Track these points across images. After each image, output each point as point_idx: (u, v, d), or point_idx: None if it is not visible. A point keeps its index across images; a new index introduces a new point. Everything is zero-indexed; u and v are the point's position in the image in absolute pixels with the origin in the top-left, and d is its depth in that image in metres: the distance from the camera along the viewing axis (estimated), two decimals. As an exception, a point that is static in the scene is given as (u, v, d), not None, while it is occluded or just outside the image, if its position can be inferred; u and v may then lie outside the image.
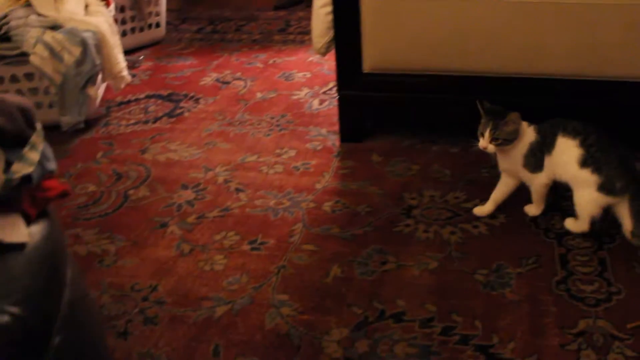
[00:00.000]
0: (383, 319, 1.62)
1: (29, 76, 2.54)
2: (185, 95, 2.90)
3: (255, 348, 1.56)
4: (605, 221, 1.87)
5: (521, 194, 1.94)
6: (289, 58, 3.25)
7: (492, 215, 1.96)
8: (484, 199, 2.01)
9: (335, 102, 2.60)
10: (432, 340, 1.56)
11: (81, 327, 1.13)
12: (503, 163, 1.93)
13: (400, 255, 1.84)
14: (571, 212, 1.90)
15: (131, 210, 2.11)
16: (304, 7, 3.91)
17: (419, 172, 2.22)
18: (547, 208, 1.98)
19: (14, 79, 2.53)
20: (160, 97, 2.91)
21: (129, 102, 2.88)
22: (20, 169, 1.05)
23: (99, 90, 2.74)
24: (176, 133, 2.58)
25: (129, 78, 2.77)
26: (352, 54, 2.28)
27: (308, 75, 3.03)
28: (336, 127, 2.48)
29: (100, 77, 2.65)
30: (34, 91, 2.56)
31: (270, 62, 3.21)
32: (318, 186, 2.18)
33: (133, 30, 3.41)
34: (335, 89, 2.69)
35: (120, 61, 2.71)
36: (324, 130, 2.53)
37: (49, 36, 2.46)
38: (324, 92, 2.85)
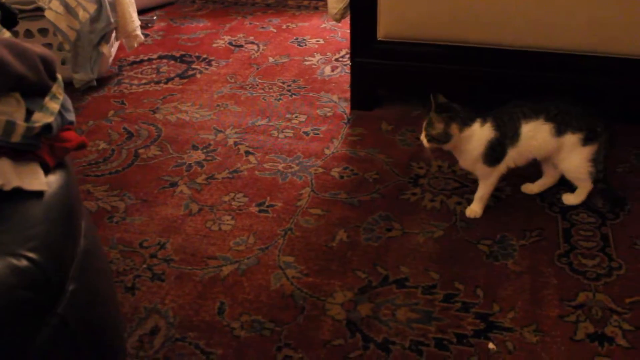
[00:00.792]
0: (386, 284, 1.65)
1: (43, 31, 2.55)
2: (198, 57, 2.91)
3: (260, 308, 1.60)
4: (608, 200, 1.89)
5: (528, 167, 1.95)
6: (302, 23, 3.25)
7: (498, 188, 1.97)
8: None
9: (347, 70, 2.61)
10: (434, 306, 1.59)
11: (94, 276, 1.15)
12: (460, 160, 1.88)
13: (405, 223, 1.86)
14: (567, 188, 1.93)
15: (141, 169, 2.14)
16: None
17: (428, 142, 2.23)
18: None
19: (28, 33, 2.54)
20: (172, 57, 2.92)
21: (141, 61, 2.89)
22: (41, 118, 1.06)
23: (112, 48, 2.75)
24: (187, 94, 2.59)
25: (142, 37, 2.77)
26: (367, 21, 2.28)
27: (321, 41, 3.03)
28: (347, 94, 2.49)
29: (114, 35, 2.65)
30: (47, 47, 2.56)
31: (284, 27, 3.20)
32: (327, 152, 2.19)
33: (147, -11, 3.41)
34: (348, 56, 2.70)
35: (135, 20, 2.71)
36: (334, 97, 2.53)
37: (64, -8, 2.47)
38: (337, 59, 2.85)
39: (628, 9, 2.07)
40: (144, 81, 2.71)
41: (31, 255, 0.94)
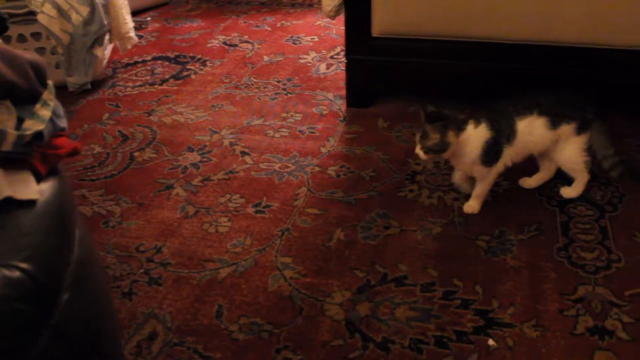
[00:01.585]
0: (385, 282, 1.64)
1: (36, 35, 2.54)
2: (192, 58, 2.90)
3: (258, 309, 1.59)
4: (608, 190, 1.89)
5: (524, 162, 1.95)
6: (297, 21, 3.24)
7: (496, 183, 1.96)
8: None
9: (342, 67, 2.60)
10: (433, 304, 1.58)
11: (89, 285, 1.15)
12: (458, 164, 1.87)
13: (403, 220, 1.85)
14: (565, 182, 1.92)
15: (137, 172, 2.13)
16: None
17: (424, 138, 2.22)
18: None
19: (21, 38, 2.53)
20: (167, 59, 2.91)
21: (135, 63, 2.88)
22: (32, 126, 1.05)
23: (106, 51, 2.74)
24: (182, 95, 2.58)
25: (136, 39, 2.77)
26: (362, 17, 2.27)
27: (316, 39, 3.02)
28: (343, 92, 2.48)
29: (107, 37, 2.64)
30: (40, 51, 2.56)
31: (278, 25, 3.19)
32: (323, 150, 2.19)
33: (140, -10, 3.40)
34: (343, 53, 2.69)
35: (128, 22, 2.70)
36: (330, 95, 2.53)
37: (56, -5, 2.45)
38: (332, 57, 2.84)
39: (625, 2, 2.05)
40: (138, 83, 2.70)
41: (24, 265, 0.93)
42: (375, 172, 2.06)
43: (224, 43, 3.02)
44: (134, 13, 3.15)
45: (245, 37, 3.08)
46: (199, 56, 2.91)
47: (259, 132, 2.30)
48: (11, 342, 0.90)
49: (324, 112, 2.41)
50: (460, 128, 1.75)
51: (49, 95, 1.13)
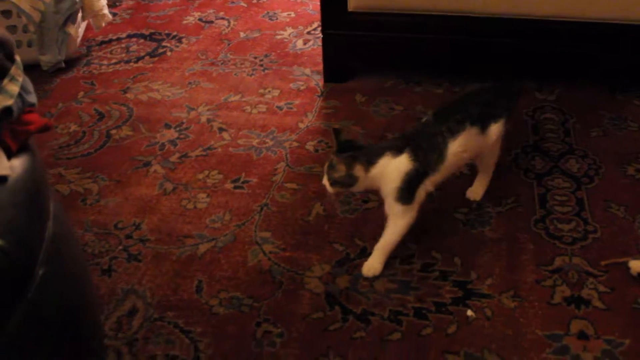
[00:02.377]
0: (364, 255, 1.65)
1: (6, 13, 2.49)
2: (168, 35, 2.86)
3: (238, 284, 1.59)
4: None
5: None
6: (272, -3, 3.21)
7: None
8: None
9: (319, 42, 2.58)
10: (412, 276, 1.59)
11: (65, 261, 1.13)
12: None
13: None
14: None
15: (114, 150, 2.11)
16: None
17: (403, 112, 2.23)
18: (528, 148, 2.00)
19: (-9, 15, 2.48)
20: (142, 36, 2.87)
21: (110, 41, 2.84)
22: (0, 101, 1.04)
23: (79, 28, 2.70)
24: (158, 72, 2.56)
25: (109, 16, 2.72)
26: (337, -8, 2.25)
27: (292, 14, 2.99)
28: (320, 67, 2.46)
29: (80, 15, 2.60)
30: (12, 29, 2.51)
31: (254, 1, 3.16)
32: (301, 125, 2.18)
33: (113, -33, 3.34)
34: (319, 28, 2.67)
35: (101, -2, 2.66)
36: (307, 70, 2.51)
37: (26, -28, 2.41)
38: (308, 32, 2.82)
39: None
40: (113, 61, 2.66)
41: (-3, 241, 0.92)
42: (353, 146, 2.06)
43: (200, 20, 2.99)
44: (108, -10, 3.10)
45: (221, 13, 3.04)
46: (175, 33, 2.87)
47: (236, 109, 2.29)
48: (-14, 318, 0.89)
49: (302, 88, 2.40)
50: (371, 162, 1.54)
51: (16, 70, 1.11)
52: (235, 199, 1.86)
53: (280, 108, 2.28)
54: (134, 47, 2.76)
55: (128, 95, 2.41)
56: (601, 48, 2.17)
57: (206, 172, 1.97)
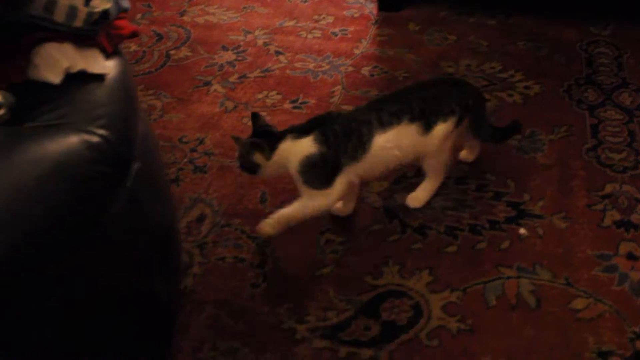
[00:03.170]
0: (420, 175, 1.70)
1: None
2: (222, -40, 2.88)
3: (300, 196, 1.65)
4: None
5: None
6: None
7: (527, 85, 2.00)
8: (518, 70, 2.06)
9: (374, -30, 2.58)
10: (467, 195, 1.65)
11: (153, 158, 1.21)
12: None
13: (436, 119, 1.90)
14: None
15: (174, 69, 2.17)
16: None
17: (456, 42, 2.25)
18: (581, 80, 2.02)
19: None
20: (196, -40, 2.89)
21: (165, -36, 2.87)
22: (99, 4, 1.10)
23: (136, -50, 2.73)
24: (214, -4, 2.60)
25: (165, -61, 2.75)
26: None
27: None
28: (374, -4, 2.48)
29: (138, -64, 2.63)
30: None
31: None
32: (356, 51, 2.22)
33: None
34: (374, -44, 2.67)
35: None
36: (361, -2, 2.54)
37: None
38: (361, -39, 2.82)
39: None
40: (169, -16, 2.70)
41: (102, 132, 1.00)
42: (408, 72, 2.10)
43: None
44: None
45: (274, -60, 3.04)
46: (228, -41, 2.89)
47: (291, 33, 2.33)
48: (94, 199, 0.97)
49: (356, 15, 2.42)
50: (272, 147, 1.44)
51: (112, -25, 1.17)
52: (295, 118, 1.91)
53: (335, 34, 2.32)
54: (188, -29, 2.79)
55: (185, 18, 2.46)
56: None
57: (265, 92, 2.03)
